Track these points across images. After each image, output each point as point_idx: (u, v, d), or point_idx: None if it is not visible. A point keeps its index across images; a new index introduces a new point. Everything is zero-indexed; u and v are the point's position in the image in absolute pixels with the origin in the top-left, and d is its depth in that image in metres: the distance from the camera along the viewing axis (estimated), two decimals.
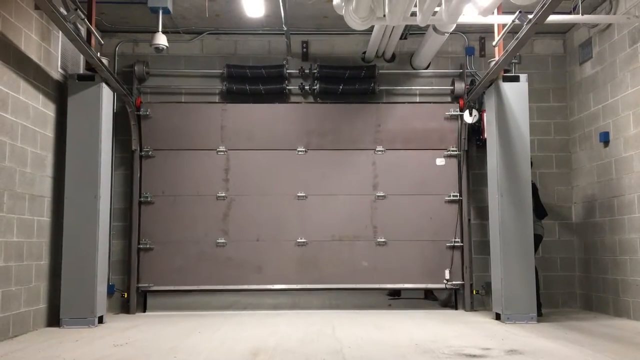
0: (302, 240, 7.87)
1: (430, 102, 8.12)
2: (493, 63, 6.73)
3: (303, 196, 7.93)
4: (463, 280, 7.79)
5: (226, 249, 7.83)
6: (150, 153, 7.87)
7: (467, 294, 7.74)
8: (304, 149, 8.00)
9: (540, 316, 6.74)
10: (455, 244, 7.88)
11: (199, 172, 7.91)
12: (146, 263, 7.75)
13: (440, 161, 8.02)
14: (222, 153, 7.94)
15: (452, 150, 8.00)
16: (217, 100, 8.06)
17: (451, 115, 7.98)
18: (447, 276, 7.79)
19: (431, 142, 8.00)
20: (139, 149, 7.83)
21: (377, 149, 8.00)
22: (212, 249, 7.82)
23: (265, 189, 7.93)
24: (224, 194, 7.90)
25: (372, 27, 6.84)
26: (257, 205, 7.91)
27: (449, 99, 8.15)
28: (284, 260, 7.84)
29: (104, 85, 6.75)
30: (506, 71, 6.94)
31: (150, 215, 7.83)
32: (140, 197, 7.81)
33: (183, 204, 7.87)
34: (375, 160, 8.02)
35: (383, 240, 7.89)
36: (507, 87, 6.81)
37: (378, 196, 7.94)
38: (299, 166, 7.99)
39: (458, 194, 7.95)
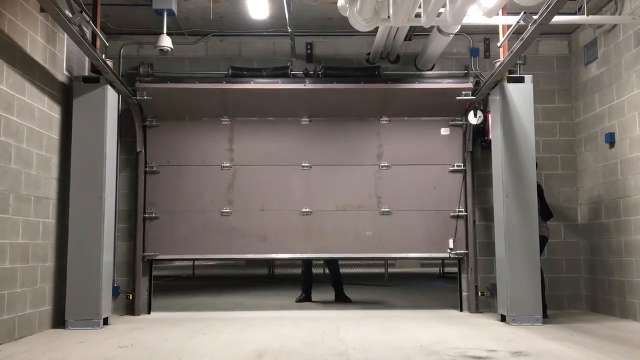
0: (307, 210, 7.86)
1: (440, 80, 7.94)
2: (498, 64, 6.72)
3: (307, 166, 7.93)
4: (467, 250, 7.78)
5: (231, 218, 7.82)
6: (154, 123, 7.87)
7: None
8: (307, 120, 8.01)
9: (546, 318, 6.72)
10: (460, 214, 7.85)
11: (203, 142, 7.92)
12: (151, 232, 7.76)
13: (444, 131, 7.99)
14: (226, 123, 7.94)
15: (458, 120, 7.96)
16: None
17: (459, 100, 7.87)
18: (451, 245, 7.78)
19: (436, 112, 7.95)
20: (144, 122, 7.83)
21: (381, 119, 7.99)
22: (217, 218, 7.81)
23: (269, 159, 7.92)
24: (228, 164, 7.91)
25: (377, 28, 6.83)
26: (262, 175, 7.90)
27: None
28: (289, 230, 7.83)
29: (108, 87, 6.77)
30: (511, 72, 6.93)
31: (155, 184, 7.84)
32: (145, 167, 7.83)
33: (188, 174, 7.87)
34: (379, 130, 8.01)
35: (387, 210, 7.87)
36: (512, 88, 6.80)
37: (382, 166, 7.93)
38: (303, 136, 7.99)
39: (462, 164, 7.93)
